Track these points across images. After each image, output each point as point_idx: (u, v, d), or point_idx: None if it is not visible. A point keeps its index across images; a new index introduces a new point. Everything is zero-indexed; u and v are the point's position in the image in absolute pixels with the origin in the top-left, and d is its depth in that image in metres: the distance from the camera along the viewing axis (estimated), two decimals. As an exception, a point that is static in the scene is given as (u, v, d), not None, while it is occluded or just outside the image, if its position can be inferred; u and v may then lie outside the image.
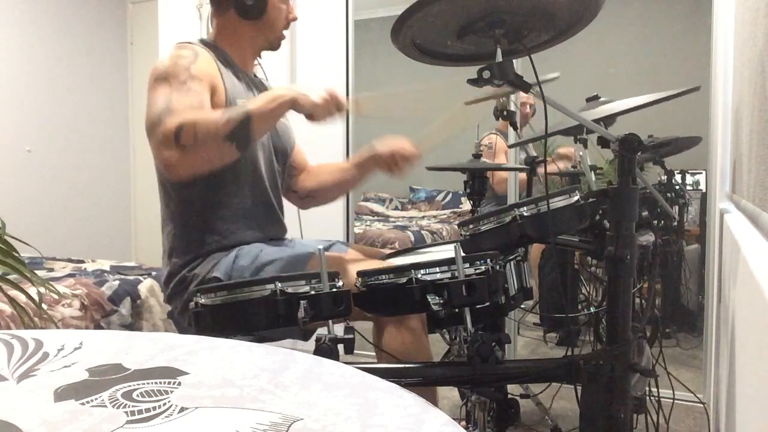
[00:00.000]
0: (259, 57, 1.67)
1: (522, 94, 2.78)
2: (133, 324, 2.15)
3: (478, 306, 1.08)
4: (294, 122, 1.73)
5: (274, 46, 1.62)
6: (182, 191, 1.47)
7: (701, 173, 2.76)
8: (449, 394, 2.26)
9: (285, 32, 1.62)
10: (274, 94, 1.35)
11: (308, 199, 1.75)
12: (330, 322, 1.03)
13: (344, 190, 1.76)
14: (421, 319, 1.34)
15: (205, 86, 1.41)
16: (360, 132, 2.95)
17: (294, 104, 1.34)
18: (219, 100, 1.44)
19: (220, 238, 1.47)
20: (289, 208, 1.69)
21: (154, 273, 2.37)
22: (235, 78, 1.52)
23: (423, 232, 3.56)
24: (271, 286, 1.03)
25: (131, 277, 2.27)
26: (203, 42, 1.55)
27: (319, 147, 1.94)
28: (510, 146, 2.62)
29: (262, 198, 1.54)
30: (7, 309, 1.76)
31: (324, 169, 1.76)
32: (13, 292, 1.30)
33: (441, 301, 1.00)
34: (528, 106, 2.93)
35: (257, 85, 1.63)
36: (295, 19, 1.62)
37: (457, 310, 1.06)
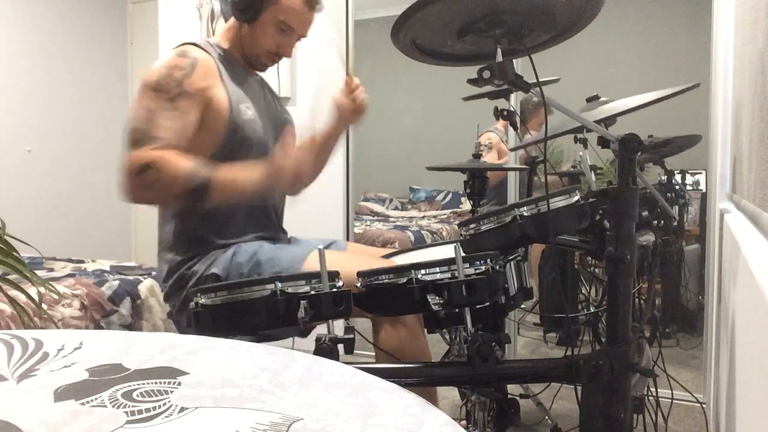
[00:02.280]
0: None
1: (542, 112, 2.79)
2: (133, 324, 2.15)
3: (478, 306, 1.08)
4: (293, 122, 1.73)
5: (253, 64, 1.58)
6: None
7: (701, 173, 2.76)
8: (449, 394, 2.26)
9: (271, 61, 1.57)
10: (243, 177, 1.35)
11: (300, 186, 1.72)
12: (330, 321, 1.03)
13: (321, 167, 1.72)
14: (417, 316, 1.34)
15: (193, 103, 1.40)
16: (360, 134, 2.95)
17: (261, 187, 1.35)
18: (217, 106, 1.43)
19: (221, 236, 1.47)
20: (289, 209, 1.68)
21: (154, 273, 2.37)
22: (239, 80, 1.52)
23: (423, 232, 3.56)
24: (271, 286, 1.03)
25: (131, 277, 2.27)
26: (208, 43, 1.54)
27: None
28: (512, 149, 2.62)
29: (264, 197, 1.55)
30: (7, 309, 1.76)
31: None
32: (13, 292, 1.30)
33: (441, 301, 1.00)
34: (540, 126, 2.93)
35: (259, 84, 1.63)
36: (287, 56, 1.57)
37: (457, 310, 1.06)
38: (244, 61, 1.58)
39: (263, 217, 1.55)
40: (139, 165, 1.31)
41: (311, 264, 1.36)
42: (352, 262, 1.23)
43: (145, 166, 1.31)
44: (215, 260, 1.43)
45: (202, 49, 1.49)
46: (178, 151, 1.37)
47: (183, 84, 1.39)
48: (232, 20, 1.57)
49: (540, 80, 1.06)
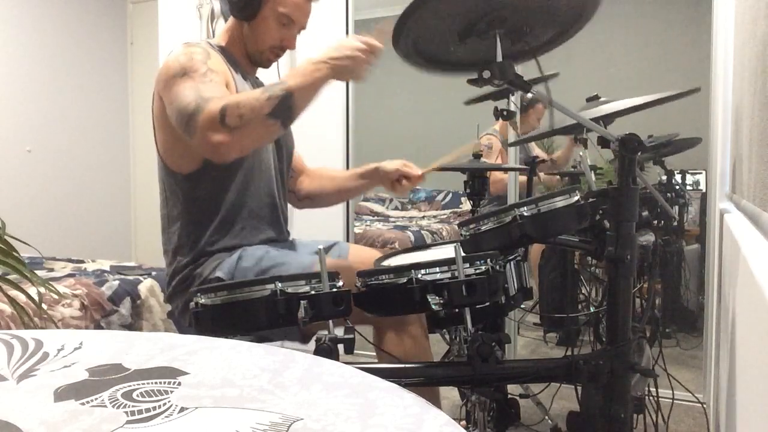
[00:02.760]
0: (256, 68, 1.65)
1: (539, 107, 2.79)
2: (133, 324, 2.15)
3: (478, 306, 1.08)
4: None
5: (258, 61, 1.58)
6: (190, 190, 1.47)
7: (701, 173, 2.76)
8: (449, 394, 2.26)
9: (275, 56, 1.57)
10: (311, 67, 1.32)
11: (306, 200, 1.76)
12: (330, 322, 1.03)
13: (343, 198, 1.77)
14: (422, 325, 1.34)
15: (221, 78, 1.40)
16: (360, 134, 2.95)
17: (335, 76, 1.33)
18: None
19: (227, 238, 1.47)
20: (290, 209, 1.69)
21: (154, 273, 2.37)
22: (240, 80, 1.52)
23: (423, 232, 3.56)
24: (271, 286, 1.03)
25: (131, 277, 2.27)
26: (209, 44, 1.54)
27: (319, 150, 1.95)
28: (510, 144, 2.62)
29: (268, 198, 1.54)
30: (7, 309, 1.76)
31: (325, 174, 1.76)
32: (13, 292, 1.30)
33: (441, 301, 1.00)
34: (539, 121, 2.93)
35: (260, 87, 1.63)
36: (291, 48, 1.57)
37: (457, 310, 1.06)
38: (248, 60, 1.58)
39: (269, 219, 1.55)
40: (216, 115, 1.26)
41: (315, 268, 1.36)
42: (353, 270, 1.22)
43: (222, 110, 1.26)
44: (220, 264, 1.43)
45: (207, 46, 1.50)
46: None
47: (207, 63, 1.40)
48: (230, 21, 1.57)
49: (542, 75, 1.06)
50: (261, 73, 1.68)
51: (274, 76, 1.70)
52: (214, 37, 1.67)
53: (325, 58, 1.34)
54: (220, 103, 1.27)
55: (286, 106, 1.30)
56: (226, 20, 1.61)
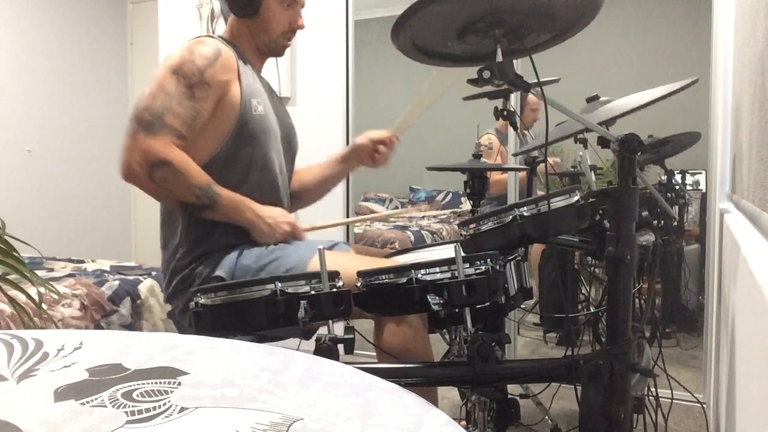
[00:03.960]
0: (265, 61, 1.66)
1: (531, 98, 2.79)
2: (133, 324, 2.15)
3: (478, 306, 1.08)
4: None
5: (273, 51, 1.59)
6: None
7: (701, 173, 2.76)
8: (449, 394, 2.26)
9: (288, 40, 1.59)
10: (246, 207, 1.44)
11: (294, 201, 1.76)
12: (330, 322, 1.03)
13: (326, 188, 1.78)
14: (421, 315, 1.33)
15: (211, 95, 1.42)
16: (361, 131, 2.94)
17: (253, 230, 1.45)
18: (231, 99, 1.44)
19: (228, 236, 1.47)
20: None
21: (154, 273, 2.37)
22: (252, 77, 1.53)
23: (423, 232, 3.56)
24: (272, 286, 1.03)
25: (131, 277, 2.27)
26: (224, 39, 1.55)
27: (319, 150, 1.94)
28: (515, 155, 2.62)
29: (271, 197, 1.54)
30: (7, 309, 1.76)
31: (306, 173, 1.77)
32: (13, 292, 1.30)
33: (441, 301, 1.00)
34: (536, 113, 2.92)
35: (268, 89, 1.63)
36: (301, 27, 1.59)
37: (457, 310, 1.06)
38: (257, 54, 1.59)
39: None
40: (156, 158, 1.35)
41: (316, 265, 1.36)
42: (353, 263, 1.23)
43: (163, 161, 1.35)
44: (220, 262, 1.43)
45: (222, 42, 1.50)
46: (185, 144, 1.40)
47: (204, 73, 1.41)
48: (231, 19, 1.57)
49: (540, 80, 1.06)
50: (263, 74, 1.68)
51: (273, 76, 1.70)
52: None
53: (262, 219, 1.45)
54: (165, 151, 1.36)
55: (200, 208, 1.41)
56: (226, 20, 1.61)
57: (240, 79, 1.47)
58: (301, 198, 1.75)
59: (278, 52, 1.61)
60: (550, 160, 2.86)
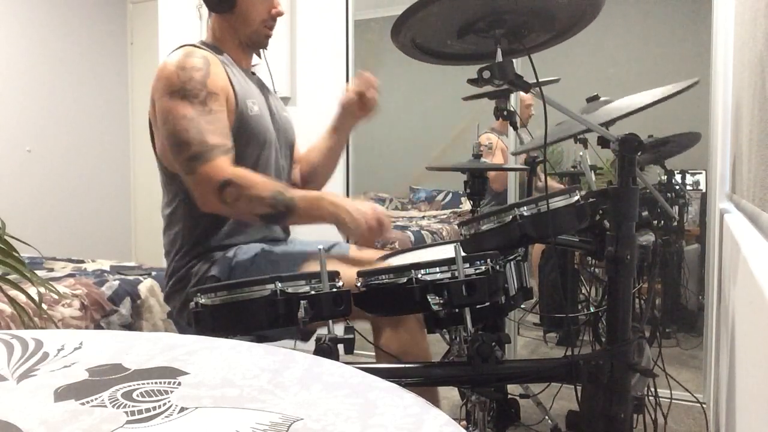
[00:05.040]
0: (258, 56, 1.66)
1: (524, 95, 2.79)
2: (133, 324, 2.15)
3: (478, 306, 1.08)
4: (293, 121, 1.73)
5: (256, 42, 1.58)
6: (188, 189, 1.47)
7: (701, 173, 2.76)
8: (449, 394, 2.26)
9: (269, 29, 1.57)
10: (325, 201, 1.36)
11: (307, 185, 1.75)
12: (330, 322, 1.03)
13: (333, 160, 1.76)
14: (418, 319, 1.34)
15: (222, 102, 1.42)
16: (360, 133, 2.94)
17: (338, 223, 1.36)
18: (229, 103, 1.44)
19: (223, 236, 1.47)
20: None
21: (154, 273, 2.37)
22: (241, 78, 1.52)
23: (423, 232, 3.56)
24: (271, 286, 1.03)
25: (131, 277, 2.26)
26: (205, 45, 1.54)
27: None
28: (513, 154, 2.62)
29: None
30: (7, 309, 1.76)
31: (311, 154, 1.76)
32: (13, 292, 1.30)
33: (441, 301, 1.00)
34: (530, 108, 2.93)
35: (259, 85, 1.63)
36: (279, 14, 1.57)
37: (457, 310, 1.06)
38: (242, 52, 1.58)
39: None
40: (219, 181, 1.33)
41: (310, 267, 1.36)
42: (351, 267, 1.23)
43: (225, 183, 1.33)
44: (215, 262, 1.43)
45: (204, 49, 1.49)
46: (232, 153, 1.39)
47: (207, 84, 1.40)
48: (212, 19, 1.57)
49: (540, 80, 1.06)
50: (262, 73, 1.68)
51: (265, 74, 1.70)
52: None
53: (343, 208, 1.35)
54: (224, 172, 1.33)
55: (279, 216, 1.37)
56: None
57: (231, 83, 1.46)
58: (313, 180, 1.75)
59: (262, 43, 1.59)
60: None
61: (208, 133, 1.36)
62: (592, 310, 2.46)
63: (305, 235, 1.72)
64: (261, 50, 1.62)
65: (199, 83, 1.39)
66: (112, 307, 2.10)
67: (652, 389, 1.37)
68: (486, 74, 1.02)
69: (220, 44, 1.56)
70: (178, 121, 1.36)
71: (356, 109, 1.64)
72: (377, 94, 1.63)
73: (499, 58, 1.06)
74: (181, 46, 1.49)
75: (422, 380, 1.13)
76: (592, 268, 2.74)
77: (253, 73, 1.65)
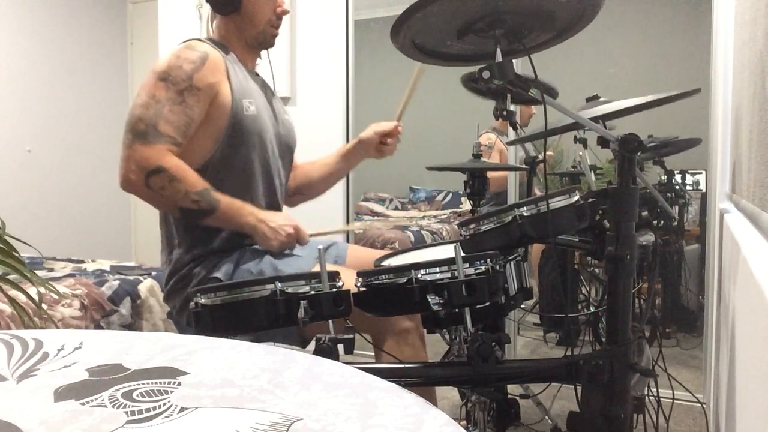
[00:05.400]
0: (259, 56, 1.66)
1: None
2: (133, 324, 2.15)
3: (478, 306, 1.08)
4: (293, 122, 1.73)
5: (263, 42, 1.58)
6: None
7: (701, 173, 2.76)
8: (449, 394, 2.26)
9: (276, 27, 1.58)
10: (246, 212, 1.42)
11: (296, 196, 1.76)
12: (330, 322, 1.03)
13: (331, 182, 1.78)
14: (420, 334, 1.34)
15: (201, 98, 1.42)
16: (360, 131, 2.94)
17: (253, 235, 1.43)
18: (222, 101, 1.44)
19: (224, 238, 1.47)
20: (289, 208, 1.69)
21: (154, 273, 2.37)
22: (243, 78, 1.52)
23: (423, 232, 3.56)
24: (271, 286, 1.03)
25: (131, 277, 2.26)
26: (212, 41, 1.54)
27: (319, 149, 1.94)
28: (509, 143, 2.62)
29: (267, 199, 1.54)
30: (7, 309, 1.76)
31: (310, 166, 1.77)
32: (13, 292, 1.30)
33: (441, 301, 1.00)
34: (531, 109, 2.93)
35: (263, 86, 1.63)
36: (285, 12, 1.58)
37: (457, 310, 1.06)
38: (248, 52, 1.59)
39: None
40: (152, 165, 1.35)
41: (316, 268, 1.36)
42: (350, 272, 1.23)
43: (158, 168, 1.35)
44: (218, 264, 1.43)
45: (210, 45, 1.49)
46: (181, 150, 1.40)
47: (192, 78, 1.41)
48: (218, 19, 1.57)
49: (539, 80, 1.06)
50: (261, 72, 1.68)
51: (267, 74, 1.70)
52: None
53: (262, 225, 1.42)
54: (160, 158, 1.35)
55: (199, 214, 1.39)
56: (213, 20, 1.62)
57: (230, 80, 1.46)
58: (305, 192, 1.75)
59: (268, 43, 1.60)
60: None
61: (164, 120, 1.38)
62: (592, 310, 2.46)
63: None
64: (265, 50, 1.63)
65: (185, 74, 1.40)
66: (112, 307, 2.10)
67: (653, 389, 1.37)
68: (486, 74, 1.02)
69: (227, 44, 1.56)
70: (145, 98, 1.39)
71: (372, 149, 1.67)
72: (398, 144, 1.67)
73: (499, 58, 1.05)
74: (187, 41, 1.50)
75: (422, 380, 1.13)
76: (592, 268, 2.74)
77: (257, 74, 1.65)
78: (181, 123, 1.39)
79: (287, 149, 1.65)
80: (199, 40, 1.51)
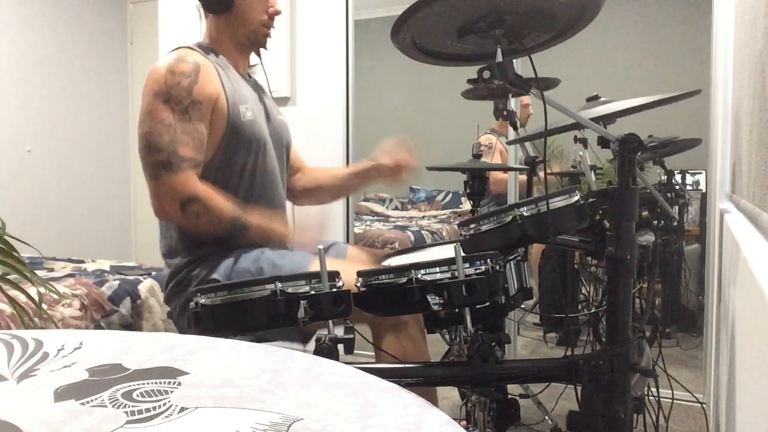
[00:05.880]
0: (256, 56, 1.65)
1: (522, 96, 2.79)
2: (133, 324, 2.15)
3: (478, 306, 1.08)
4: (292, 124, 1.73)
5: (254, 42, 1.57)
6: None
7: (701, 173, 2.76)
8: (449, 394, 2.26)
9: (268, 28, 1.57)
10: (274, 237, 1.47)
11: (304, 197, 1.76)
12: (330, 322, 1.03)
13: (339, 196, 1.79)
14: (421, 327, 1.34)
15: (205, 112, 1.42)
16: (360, 134, 2.95)
17: (282, 245, 1.47)
18: (219, 109, 1.44)
19: (230, 241, 1.47)
20: (289, 208, 1.68)
21: (154, 273, 2.37)
22: (235, 82, 1.52)
23: (423, 232, 3.56)
24: (271, 286, 1.03)
25: (131, 277, 2.26)
26: (201, 47, 1.54)
27: (319, 150, 1.95)
28: (509, 143, 2.62)
29: (267, 201, 1.54)
30: (7, 309, 1.76)
31: (321, 173, 1.77)
32: (13, 292, 1.30)
33: (441, 301, 1.00)
34: (528, 108, 2.93)
35: (255, 87, 1.62)
36: (277, 13, 1.57)
37: (457, 310, 1.06)
38: (239, 54, 1.58)
39: (270, 217, 1.55)
40: (186, 196, 1.37)
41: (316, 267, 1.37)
42: (351, 268, 1.23)
43: (192, 198, 1.37)
44: (217, 265, 1.43)
45: (200, 52, 1.49)
46: (200, 167, 1.42)
47: (192, 92, 1.40)
48: (209, 20, 1.57)
49: (539, 78, 1.06)
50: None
51: (261, 76, 1.70)
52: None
53: (292, 236, 1.49)
54: (191, 186, 1.37)
55: (238, 233, 1.44)
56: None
57: (224, 88, 1.46)
58: (312, 196, 1.76)
59: (260, 43, 1.58)
60: (555, 164, 2.87)
61: (181, 143, 1.37)
62: (592, 310, 2.46)
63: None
64: (260, 51, 1.62)
65: (184, 90, 1.40)
66: (112, 307, 2.10)
67: (653, 389, 1.37)
68: (486, 74, 1.02)
69: (217, 46, 1.56)
70: (155, 124, 1.38)
71: (385, 173, 1.64)
72: (412, 174, 1.65)
73: (499, 58, 1.05)
74: (176, 49, 1.49)
75: (422, 380, 1.13)
76: (592, 268, 2.74)
77: (250, 76, 1.65)
78: (196, 142, 1.40)
79: (283, 148, 1.65)
80: (188, 47, 1.50)
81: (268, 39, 1.60)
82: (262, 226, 1.46)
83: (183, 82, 1.40)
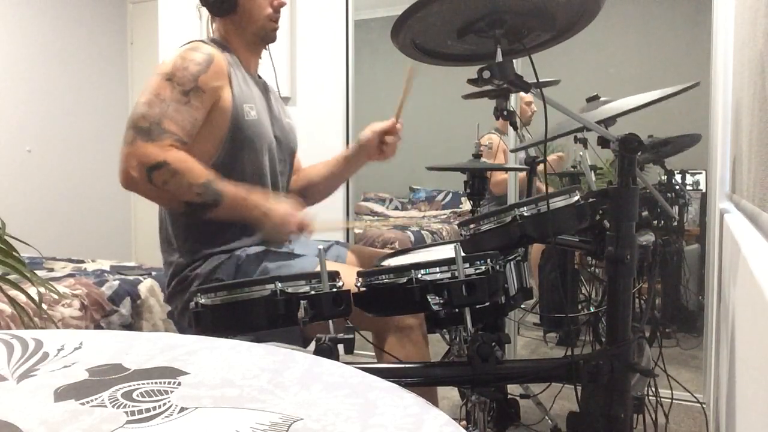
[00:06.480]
0: (261, 57, 1.66)
1: (523, 93, 2.78)
2: (133, 324, 2.15)
3: (478, 306, 1.08)
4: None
5: (264, 38, 1.57)
6: None
7: (701, 173, 2.76)
8: (449, 394, 2.26)
9: (275, 21, 1.57)
10: (251, 206, 1.39)
11: (300, 199, 1.75)
12: (330, 322, 1.03)
13: (333, 186, 1.77)
14: (423, 332, 1.34)
15: (205, 101, 1.41)
16: (360, 131, 2.94)
17: (260, 227, 1.41)
18: (223, 105, 1.44)
19: (226, 237, 1.47)
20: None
21: (154, 273, 2.37)
22: (243, 80, 1.52)
23: (423, 232, 3.56)
24: (271, 286, 1.03)
25: (131, 277, 2.26)
26: (215, 42, 1.54)
27: (319, 149, 1.95)
28: (512, 150, 2.62)
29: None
30: (7, 309, 1.76)
31: (312, 170, 1.77)
32: (13, 292, 1.30)
33: (441, 301, 1.00)
34: (531, 105, 2.93)
35: (264, 89, 1.62)
36: (282, 4, 1.57)
37: (457, 310, 1.06)
38: (248, 51, 1.58)
39: None
40: (154, 161, 1.32)
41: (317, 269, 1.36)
42: (352, 270, 1.22)
43: (160, 163, 1.32)
44: (220, 266, 1.42)
45: (214, 46, 1.49)
46: (186, 149, 1.38)
47: (198, 80, 1.40)
48: (217, 23, 1.57)
49: (540, 80, 1.06)
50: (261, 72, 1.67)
51: (270, 75, 1.69)
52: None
53: (269, 216, 1.40)
54: (162, 153, 1.32)
55: (204, 207, 1.37)
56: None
57: (231, 85, 1.46)
58: (306, 196, 1.75)
59: (270, 38, 1.58)
60: (554, 156, 2.87)
61: (168, 118, 1.36)
62: (592, 310, 2.46)
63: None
64: (266, 50, 1.62)
65: (191, 75, 1.40)
66: (112, 307, 2.10)
67: (653, 389, 1.37)
68: (486, 74, 1.02)
69: (229, 45, 1.56)
70: (150, 96, 1.37)
71: (373, 151, 1.64)
72: (398, 142, 1.63)
73: (499, 58, 1.05)
74: (191, 41, 1.49)
75: (422, 380, 1.13)
76: (592, 268, 2.74)
77: (259, 77, 1.65)
78: (186, 123, 1.38)
79: (288, 152, 1.64)
80: (202, 41, 1.50)
81: (276, 31, 1.60)
82: (237, 196, 1.38)
83: (192, 68, 1.40)
